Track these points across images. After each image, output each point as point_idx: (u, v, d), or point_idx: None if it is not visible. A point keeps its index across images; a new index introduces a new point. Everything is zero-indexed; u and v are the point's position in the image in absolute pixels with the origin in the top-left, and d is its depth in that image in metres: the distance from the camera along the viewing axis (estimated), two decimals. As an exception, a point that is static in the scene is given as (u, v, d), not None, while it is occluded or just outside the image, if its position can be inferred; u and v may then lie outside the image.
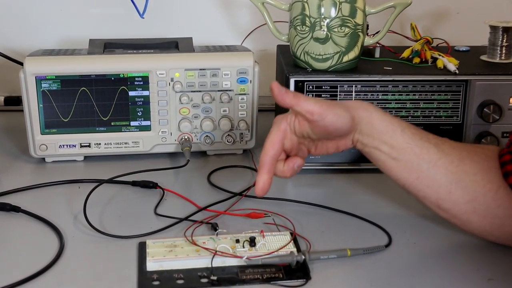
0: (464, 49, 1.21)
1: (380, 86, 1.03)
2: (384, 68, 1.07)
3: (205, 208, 0.93)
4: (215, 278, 0.74)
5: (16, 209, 0.92)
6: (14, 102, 1.37)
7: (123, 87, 1.08)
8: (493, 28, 1.11)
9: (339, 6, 1.00)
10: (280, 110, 1.12)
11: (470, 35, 1.30)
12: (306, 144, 0.84)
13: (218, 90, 1.10)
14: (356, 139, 0.82)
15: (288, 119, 0.81)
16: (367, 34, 1.10)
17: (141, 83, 1.08)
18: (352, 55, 1.05)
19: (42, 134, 1.08)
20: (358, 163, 1.07)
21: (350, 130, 0.81)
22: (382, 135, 0.81)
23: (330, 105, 0.79)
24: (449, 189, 0.79)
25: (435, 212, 0.83)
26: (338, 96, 1.03)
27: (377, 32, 1.11)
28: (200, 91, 1.09)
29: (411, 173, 0.80)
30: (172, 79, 1.08)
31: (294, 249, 0.80)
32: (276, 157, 0.81)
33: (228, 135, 1.12)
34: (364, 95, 1.03)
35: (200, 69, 1.08)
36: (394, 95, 1.04)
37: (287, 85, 1.02)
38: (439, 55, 1.09)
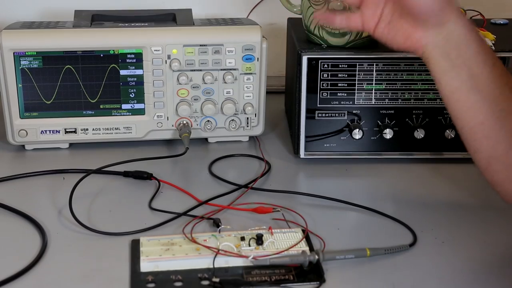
0: (501, 22, 1.21)
1: (405, 65, 1.04)
2: (410, 44, 1.07)
3: (206, 201, 0.94)
4: (217, 280, 0.75)
5: (-7, 202, 0.93)
6: (-11, 82, 1.38)
7: (113, 65, 1.08)
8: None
9: (358, -27, 1.01)
10: (291, 92, 1.12)
11: (509, 6, 1.29)
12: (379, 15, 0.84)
13: (221, 69, 1.10)
14: (437, 43, 0.79)
15: None
16: (391, 5, 1.10)
17: (134, 60, 1.09)
18: (373, 29, 1.05)
19: (21, 118, 1.09)
20: (379, 152, 1.07)
21: (438, 20, 0.78)
22: (470, 57, 0.78)
23: None
24: (507, 149, 0.79)
25: (482, 171, 0.82)
26: (357, 76, 1.03)
27: (402, 3, 1.11)
28: (200, 70, 1.10)
29: (477, 114, 0.78)
30: (169, 56, 1.08)
31: (307, 248, 0.81)
32: None
33: (232, 120, 1.13)
34: (387, 74, 1.04)
35: (201, 45, 1.08)
36: (421, 74, 1.04)
37: (298, 64, 1.03)
38: (473, 29, 1.09)
